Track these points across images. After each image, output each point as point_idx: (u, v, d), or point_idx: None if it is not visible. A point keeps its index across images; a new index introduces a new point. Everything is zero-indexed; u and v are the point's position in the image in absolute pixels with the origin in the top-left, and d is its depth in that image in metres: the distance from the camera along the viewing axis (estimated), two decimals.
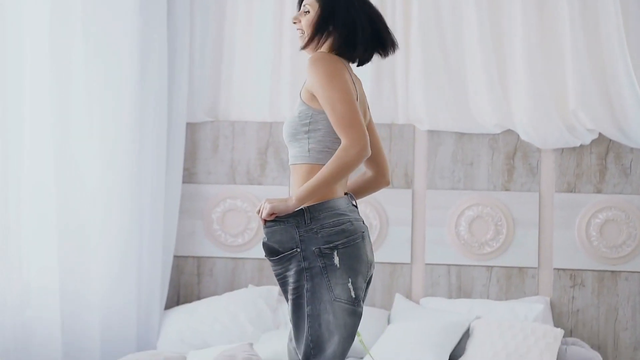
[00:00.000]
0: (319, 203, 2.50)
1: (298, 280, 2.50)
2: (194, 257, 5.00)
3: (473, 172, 4.82)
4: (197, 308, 4.70)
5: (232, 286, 4.95)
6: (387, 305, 4.83)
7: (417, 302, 4.83)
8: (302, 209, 2.49)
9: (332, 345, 2.46)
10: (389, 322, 4.67)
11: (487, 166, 4.80)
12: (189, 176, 5.00)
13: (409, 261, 4.84)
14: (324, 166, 2.48)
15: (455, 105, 4.77)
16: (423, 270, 4.85)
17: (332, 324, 2.47)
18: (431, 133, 4.85)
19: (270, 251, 2.54)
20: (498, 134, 4.80)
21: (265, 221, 2.51)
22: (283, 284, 2.56)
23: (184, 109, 4.85)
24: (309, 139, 2.55)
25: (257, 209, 2.52)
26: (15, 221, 3.71)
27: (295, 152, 2.57)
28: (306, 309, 2.49)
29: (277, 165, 4.92)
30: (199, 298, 4.97)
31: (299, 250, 2.49)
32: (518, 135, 4.77)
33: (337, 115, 2.46)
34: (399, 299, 4.77)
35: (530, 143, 4.74)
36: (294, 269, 2.50)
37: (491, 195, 4.79)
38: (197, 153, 5.01)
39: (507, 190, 4.78)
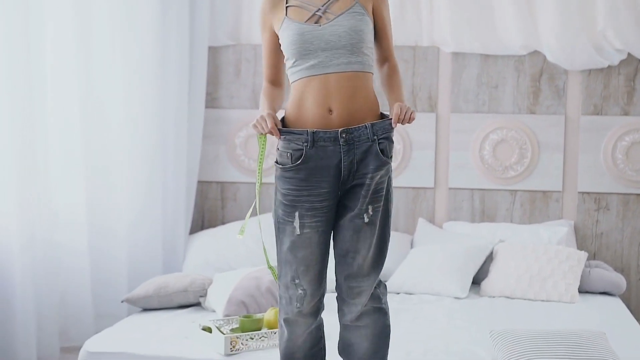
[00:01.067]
0: None
1: (389, 191, 2.56)
2: (217, 182, 5.02)
3: (498, 94, 4.75)
4: (221, 232, 4.74)
5: (255, 210, 4.97)
6: (410, 230, 4.84)
7: (441, 227, 4.83)
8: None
9: None
10: (412, 246, 4.68)
11: (513, 89, 4.73)
12: (212, 101, 4.98)
13: (432, 185, 4.82)
14: (399, 82, 2.61)
15: (481, 26, 4.67)
16: (446, 195, 4.84)
17: None
18: (456, 55, 4.77)
19: (390, 155, 2.54)
20: (524, 56, 4.71)
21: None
22: (379, 191, 2.51)
23: (206, 32, 4.79)
24: (370, 49, 2.57)
25: (402, 113, 2.44)
26: (42, 159, 3.72)
27: (359, 59, 2.51)
28: (391, 212, 2.59)
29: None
30: (223, 223, 5.01)
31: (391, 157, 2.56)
32: (545, 57, 4.67)
33: (390, 38, 2.66)
34: (422, 224, 4.78)
35: (557, 64, 4.66)
36: (389, 172, 2.55)
37: (516, 119, 4.73)
38: (219, 77, 4.97)
39: (532, 113, 4.72)
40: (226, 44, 4.94)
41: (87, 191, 4.04)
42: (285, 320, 2.61)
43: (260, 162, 2.51)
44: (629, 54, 4.60)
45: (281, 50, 2.61)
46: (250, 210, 2.65)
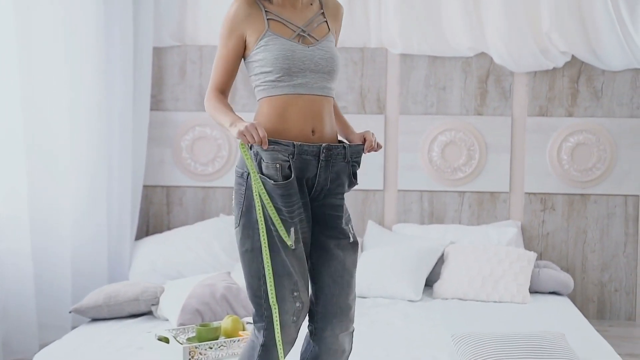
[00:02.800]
0: None
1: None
2: (163, 186, 4.90)
3: (446, 96, 4.77)
4: (168, 238, 4.63)
5: (202, 216, 4.87)
6: (360, 232, 4.82)
7: (390, 229, 4.83)
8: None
9: None
10: (362, 249, 4.66)
11: (460, 90, 4.76)
12: (156, 103, 4.86)
13: (381, 188, 4.81)
14: (341, 114, 2.66)
15: (429, 28, 4.68)
16: (396, 197, 4.83)
17: None
18: (404, 57, 4.77)
19: (356, 177, 2.53)
20: (471, 57, 4.74)
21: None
22: (341, 218, 2.50)
23: (151, 32, 4.67)
24: (337, 76, 2.57)
25: (371, 143, 2.48)
26: None
27: (333, 86, 2.52)
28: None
29: (247, 92, 4.80)
30: (169, 228, 4.90)
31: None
32: (492, 59, 4.72)
33: None
34: (371, 226, 4.76)
35: (504, 66, 4.70)
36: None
37: (464, 120, 4.76)
38: (164, 79, 4.85)
39: (479, 114, 4.76)
40: (171, 45, 4.83)
41: (30, 191, 3.86)
42: (285, 338, 2.46)
43: (253, 172, 2.37)
44: (573, 56, 4.68)
45: (240, 60, 2.53)
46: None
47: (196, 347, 3.06)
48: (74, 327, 4.15)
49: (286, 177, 2.39)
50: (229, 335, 3.25)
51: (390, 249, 4.44)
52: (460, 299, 4.16)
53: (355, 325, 3.40)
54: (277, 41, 2.45)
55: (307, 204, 2.47)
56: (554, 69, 4.70)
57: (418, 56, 4.76)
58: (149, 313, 3.76)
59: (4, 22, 3.71)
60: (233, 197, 2.49)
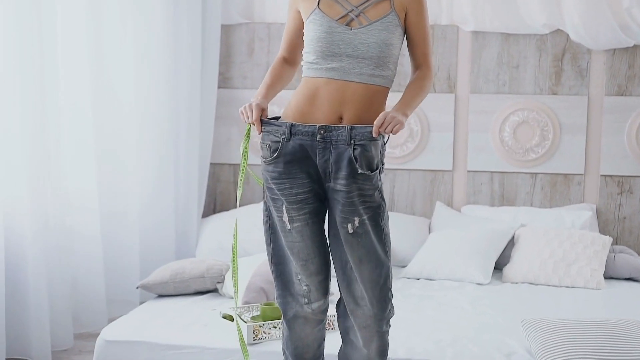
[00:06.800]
0: None
1: (381, 199, 2.41)
2: (230, 164, 4.89)
3: (519, 75, 4.62)
4: (235, 216, 4.62)
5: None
6: (427, 214, 4.73)
7: (459, 211, 4.72)
8: None
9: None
10: (430, 230, 4.57)
11: (534, 69, 4.60)
12: (224, 81, 4.84)
13: (450, 168, 4.70)
14: (417, 89, 2.44)
15: (502, 4, 4.53)
16: (465, 178, 4.72)
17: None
18: (476, 34, 4.63)
19: (369, 165, 2.35)
20: (546, 35, 4.57)
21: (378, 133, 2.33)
22: (363, 202, 2.36)
23: (219, 10, 4.65)
24: (395, 64, 2.44)
25: (380, 121, 2.29)
26: (54, 143, 3.61)
27: (382, 73, 2.38)
28: (385, 229, 2.42)
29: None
30: (235, 206, 4.90)
31: (381, 167, 2.40)
32: (568, 36, 4.54)
33: (429, 44, 2.48)
34: (439, 207, 4.66)
35: (581, 44, 4.52)
36: (378, 186, 2.39)
37: (537, 100, 4.60)
38: (232, 57, 4.84)
39: (554, 94, 4.60)
40: (239, 22, 4.80)
41: (98, 175, 3.93)
42: (294, 318, 2.52)
43: (245, 149, 2.44)
44: None
45: (301, 33, 2.50)
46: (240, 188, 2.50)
47: (260, 326, 3.04)
48: (141, 303, 4.19)
49: (274, 157, 2.39)
50: None
51: (459, 231, 4.35)
52: (531, 283, 4.04)
53: (423, 307, 3.34)
54: (319, 21, 2.37)
55: (313, 184, 2.39)
56: (634, 46, 4.50)
57: (490, 33, 4.62)
58: (214, 290, 3.76)
59: (73, 7, 3.74)
60: None
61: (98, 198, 3.91)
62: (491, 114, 4.64)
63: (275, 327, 3.08)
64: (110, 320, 3.97)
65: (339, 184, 2.35)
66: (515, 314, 3.38)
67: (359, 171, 2.33)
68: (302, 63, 2.49)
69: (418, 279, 4.11)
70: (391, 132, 2.29)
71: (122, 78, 4.07)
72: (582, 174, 4.60)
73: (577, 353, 2.67)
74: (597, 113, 4.58)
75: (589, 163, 4.60)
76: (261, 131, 2.38)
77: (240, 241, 4.45)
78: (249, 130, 2.44)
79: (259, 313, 3.28)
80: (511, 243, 4.31)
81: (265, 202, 2.48)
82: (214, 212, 4.93)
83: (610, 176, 4.58)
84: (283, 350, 2.63)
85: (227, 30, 4.81)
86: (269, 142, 2.39)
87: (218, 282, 3.70)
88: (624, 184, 4.58)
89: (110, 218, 4.06)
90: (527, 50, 4.60)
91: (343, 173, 2.34)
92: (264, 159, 2.42)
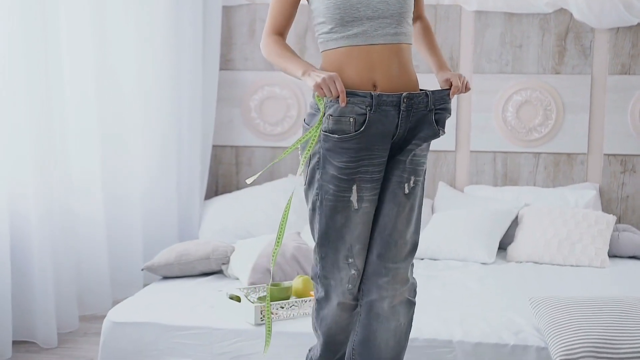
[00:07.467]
0: None
1: (425, 169, 2.41)
2: (232, 146, 4.88)
3: (522, 54, 4.60)
4: (238, 198, 4.62)
5: (271, 176, 4.84)
6: (430, 194, 4.72)
7: (462, 191, 4.71)
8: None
9: None
10: (433, 211, 4.57)
11: (537, 48, 4.58)
12: (226, 63, 4.82)
13: (453, 148, 4.69)
14: (436, 42, 2.48)
15: None
16: (468, 158, 4.71)
17: None
18: (478, 14, 4.61)
19: (444, 127, 2.35)
20: (549, 14, 4.55)
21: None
22: (422, 164, 2.36)
23: None
24: (411, 18, 2.39)
25: (457, 84, 2.29)
26: (58, 127, 3.60)
27: (404, 30, 2.32)
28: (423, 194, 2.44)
29: (315, 51, 4.72)
30: (237, 188, 4.89)
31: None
32: (571, 15, 4.52)
33: None
34: (442, 187, 4.66)
35: (584, 23, 4.50)
36: (427, 153, 2.39)
37: (540, 79, 4.59)
38: (233, 38, 4.81)
39: (557, 73, 4.58)
40: (240, 3, 4.77)
41: (102, 159, 3.92)
42: (335, 302, 2.41)
43: (318, 127, 2.24)
44: None
45: (298, 3, 2.37)
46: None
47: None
48: (145, 285, 4.19)
49: (360, 130, 2.25)
50: (299, 295, 3.22)
51: (462, 211, 4.34)
52: (535, 262, 4.04)
53: (428, 287, 3.32)
54: None
55: (384, 162, 2.32)
56: (638, 24, 4.47)
57: (493, 13, 4.59)
58: (219, 272, 3.75)
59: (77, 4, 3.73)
60: (300, 151, 2.36)
61: (101, 181, 3.90)
62: (494, 94, 4.63)
63: (283, 308, 3.08)
64: (115, 302, 3.97)
65: (413, 145, 2.30)
66: (521, 293, 3.39)
67: (436, 132, 2.32)
68: (316, 36, 2.37)
69: (422, 259, 4.11)
70: (465, 91, 2.33)
71: (125, 62, 4.05)
72: (585, 153, 4.59)
73: (586, 330, 2.67)
74: (601, 92, 4.56)
75: (592, 142, 4.59)
76: (345, 103, 2.20)
77: (241, 223, 4.46)
78: (324, 110, 2.24)
79: (265, 294, 3.28)
80: (515, 223, 4.31)
81: (315, 181, 2.32)
82: (216, 194, 4.92)
83: (614, 155, 4.57)
84: (314, 327, 2.54)
85: (228, 12, 4.78)
86: (354, 116, 2.23)
87: (223, 264, 3.69)
88: (627, 162, 4.57)
89: (114, 201, 4.05)
90: (530, 29, 4.58)
91: (421, 135, 2.30)
92: (338, 135, 2.24)
